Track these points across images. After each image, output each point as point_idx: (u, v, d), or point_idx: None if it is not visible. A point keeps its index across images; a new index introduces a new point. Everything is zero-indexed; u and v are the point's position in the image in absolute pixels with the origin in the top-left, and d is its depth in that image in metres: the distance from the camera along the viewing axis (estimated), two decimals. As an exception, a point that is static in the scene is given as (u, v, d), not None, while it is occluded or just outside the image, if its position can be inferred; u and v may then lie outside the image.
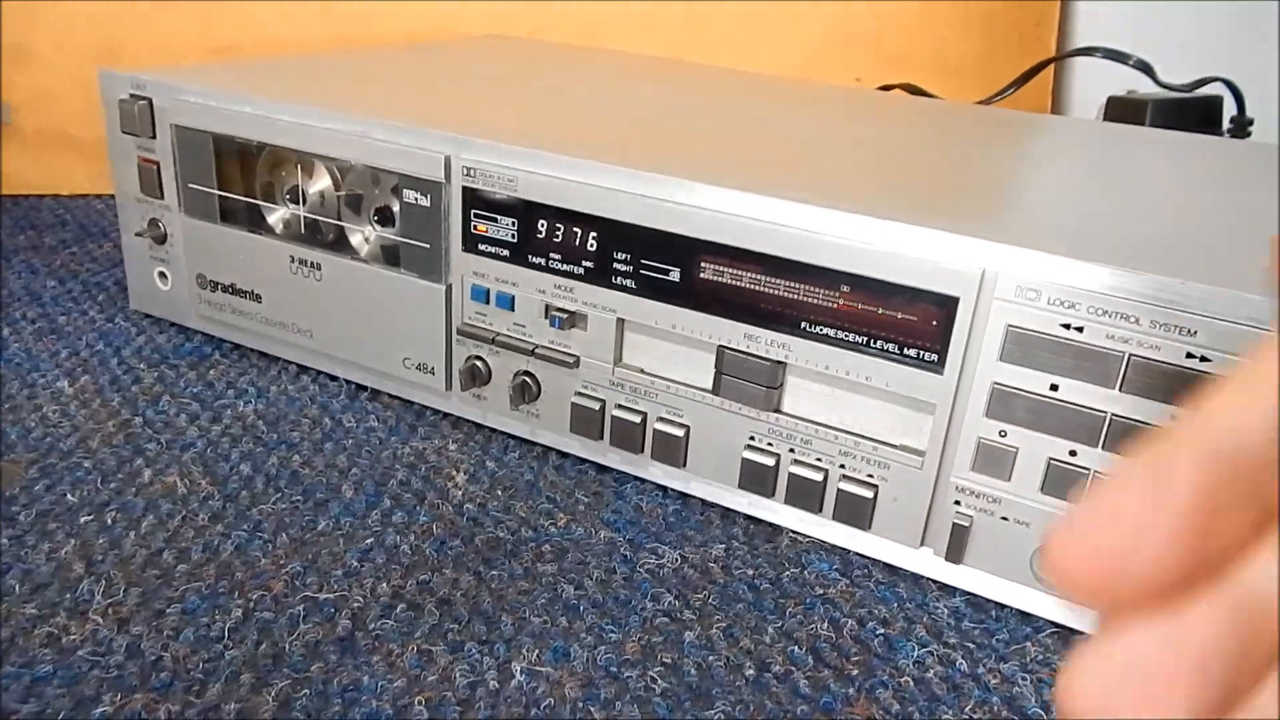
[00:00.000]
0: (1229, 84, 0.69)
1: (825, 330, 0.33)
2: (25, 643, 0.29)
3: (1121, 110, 0.70)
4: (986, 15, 0.78)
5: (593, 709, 0.28)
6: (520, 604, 0.32)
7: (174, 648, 0.29)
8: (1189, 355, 0.29)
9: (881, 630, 0.32)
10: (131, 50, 0.68)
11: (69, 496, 0.36)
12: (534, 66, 0.59)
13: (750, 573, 0.34)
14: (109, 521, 0.34)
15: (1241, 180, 0.45)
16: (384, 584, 0.32)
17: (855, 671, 0.30)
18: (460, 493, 0.38)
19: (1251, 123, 0.70)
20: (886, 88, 0.72)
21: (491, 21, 0.74)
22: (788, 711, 0.28)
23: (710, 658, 0.30)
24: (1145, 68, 0.68)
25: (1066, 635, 0.32)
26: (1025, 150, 0.49)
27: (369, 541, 0.34)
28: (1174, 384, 0.29)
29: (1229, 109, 0.70)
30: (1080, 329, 0.30)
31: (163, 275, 0.48)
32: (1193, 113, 0.69)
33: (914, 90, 0.71)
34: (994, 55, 0.78)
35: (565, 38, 0.75)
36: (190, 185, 0.45)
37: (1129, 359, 0.29)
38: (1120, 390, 0.29)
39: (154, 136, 0.45)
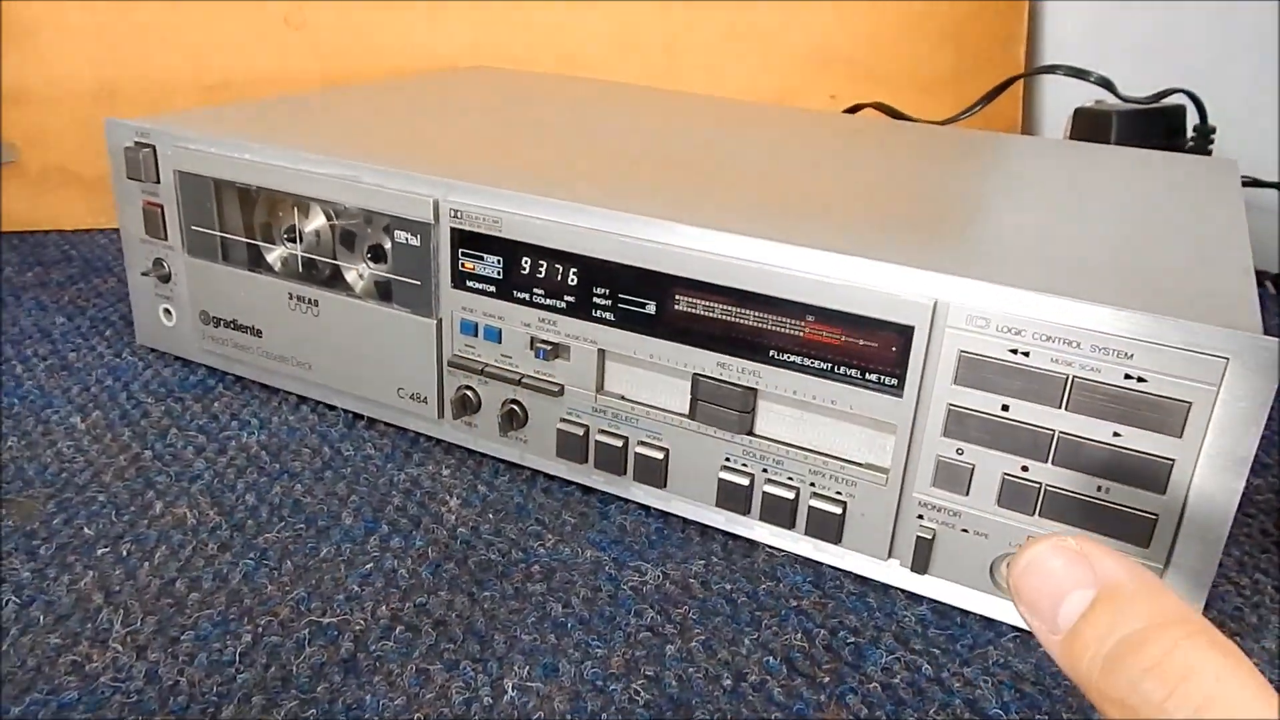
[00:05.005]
0: (1190, 94, 0.71)
1: (793, 358, 0.36)
2: (51, 671, 0.31)
3: (1088, 122, 0.72)
4: (956, 32, 0.80)
5: (580, 720, 0.30)
6: (511, 623, 0.34)
7: (189, 673, 0.31)
8: (1126, 376, 0.31)
9: (852, 639, 0.34)
10: (128, 89, 0.70)
11: (85, 530, 0.38)
12: (516, 100, 0.61)
13: (728, 587, 0.37)
14: (124, 553, 0.37)
15: (1194, 197, 0.47)
16: (383, 607, 0.35)
17: (826, 679, 0.32)
18: (454, 517, 0.40)
19: (1214, 131, 0.72)
20: (858, 107, 0.74)
21: (473, 51, 0.76)
22: (763, 718, 0.31)
23: (690, 670, 0.32)
24: (1106, 84, 0.70)
25: (1026, 639, 0.35)
26: (985, 174, 0.51)
27: (368, 566, 0.37)
28: (1114, 402, 0.31)
29: (1193, 118, 0.73)
30: (1027, 353, 0.32)
31: (167, 312, 0.50)
32: (1158, 123, 0.72)
33: (885, 109, 0.73)
34: (964, 72, 0.80)
35: (546, 66, 0.77)
36: (193, 227, 0.47)
37: (1072, 380, 0.31)
38: (1065, 409, 0.32)
39: (158, 181, 0.47)
